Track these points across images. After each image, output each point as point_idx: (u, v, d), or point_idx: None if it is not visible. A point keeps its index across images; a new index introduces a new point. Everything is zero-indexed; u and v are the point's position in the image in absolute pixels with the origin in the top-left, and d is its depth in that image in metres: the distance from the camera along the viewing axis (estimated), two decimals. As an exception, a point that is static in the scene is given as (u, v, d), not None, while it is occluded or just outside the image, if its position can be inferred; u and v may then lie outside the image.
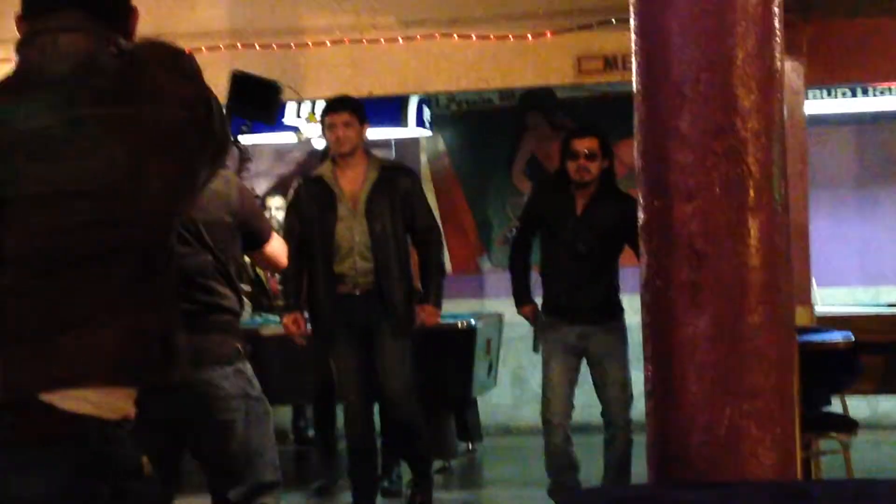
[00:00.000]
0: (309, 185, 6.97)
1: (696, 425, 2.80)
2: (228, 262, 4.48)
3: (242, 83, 4.91)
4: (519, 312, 7.01)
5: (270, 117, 5.03)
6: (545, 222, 6.84)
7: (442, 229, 10.38)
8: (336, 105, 6.90)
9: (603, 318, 6.69)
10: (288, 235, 6.92)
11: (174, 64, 2.81)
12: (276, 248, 4.82)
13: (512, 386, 10.13)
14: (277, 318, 7.91)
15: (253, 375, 4.56)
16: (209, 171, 2.73)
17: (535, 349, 7.01)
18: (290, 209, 7.01)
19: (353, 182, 6.89)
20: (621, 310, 6.78)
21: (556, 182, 6.90)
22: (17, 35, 2.65)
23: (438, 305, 7.00)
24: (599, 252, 6.67)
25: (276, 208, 9.45)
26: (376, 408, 7.20)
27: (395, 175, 6.95)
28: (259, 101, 4.91)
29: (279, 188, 10.09)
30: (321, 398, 8.23)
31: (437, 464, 8.41)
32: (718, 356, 2.78)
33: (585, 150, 6.66)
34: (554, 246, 6.80)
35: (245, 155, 4.97)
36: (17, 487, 2.25)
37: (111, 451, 2.44)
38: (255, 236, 4.67)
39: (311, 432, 9.88)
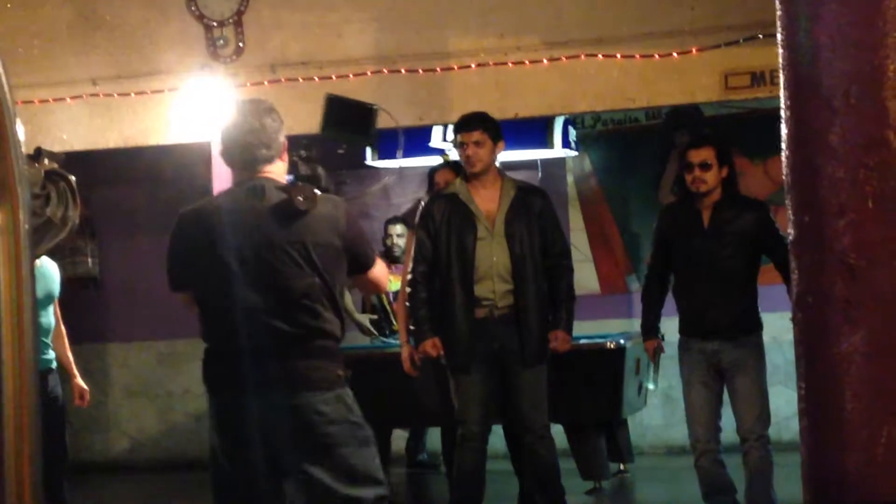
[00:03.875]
0: (441, 203, 6.84)
1: (853, 445, 2.75)
2: (334, 286, 4.39)
3: (337, 106, 4.96)
4: (644, 347, 7.00)
5: (368, 136, 5.05)
6: (675, 242, 6.77)
7: (590, 249, 10.42)
8: (467, 123, 6.78)
9: (737, 334, 6.58)
10: (419, 255, 6.85)
11: None
12: (379, 272, 4.68)
13: (663, 406, 10.03)
14: (398, 343, 7.90)
15: (354, 401, 4.46)
16: (50, 239, 3.87)
17: (652, 386, 7.05)
18: (421, 227, 6.85)
19: (488, 201, 6.78)
20: (758, 325, 6.68)
21: (680, 200, 6.85)
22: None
23: (570, 332, 6.87)
24: (732, 264, 6.57)
25: (398, 235, 9.40)
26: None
27: (529, 195, 6.85)
28: (355, 122, 4.96)
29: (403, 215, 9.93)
30: (449, 422, 8.10)
31: (588, 485, 8.38)
32: (874, 373, 2.72)
33: (699, 161, 6.60)
34: (685, 263, 6.72)
35: (339, 179, 4.94)
36: None
37: None
38: (360, 261, 4.55)
39: (422, 456, 9.90)
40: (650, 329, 6.91)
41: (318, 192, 4.36)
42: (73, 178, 4.04)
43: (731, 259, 6.56)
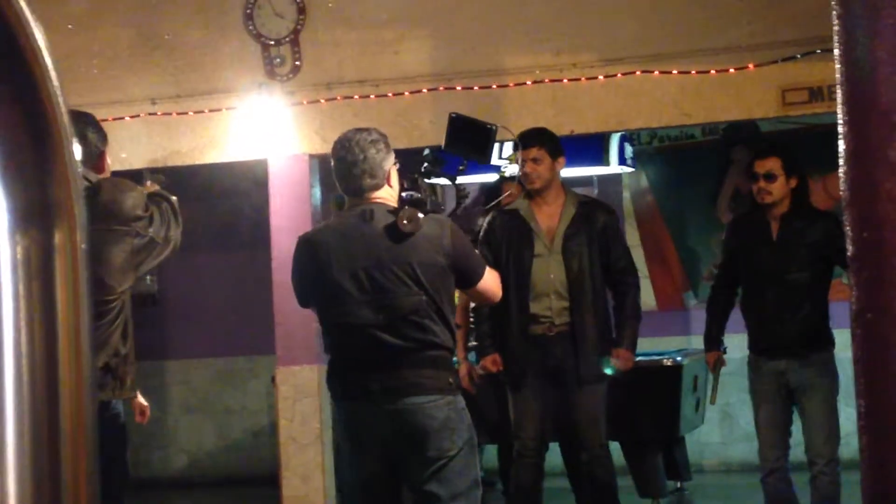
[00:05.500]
0: (503, 218, 6.83)
1: (913, 463, 2.72)
2: (442, 301, 4.70)
3: (459, 125, 5.18)
4: (705, 358, 6.95)
5: (485, 157, 5.33)
6: (743, 253, 6.70)
7: (646, 265, 10.38)
8: (524, 139, 6.73)
9: (805, 352, 6.47)
10: None
11: (119, 188, 4.42)
12: (489, 283, 4.94)
13: (720, 423, 9.97)
14: (456, 359, 7.89)
15: (465, 409, 4.77)
16: (154, 258, 4.49)
17: (713, 401, 6.99)
18: (483, 242, 6.84)
19: (549, 218, 6.75)
20: (829, 342, 6.54)
21: (749, 211, 6.77)
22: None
23: (632, 350, 6.82)
24: (802, 277, 6.47)
25: None
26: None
27: (592, 211, 6.81)
28: (475, 141, 5.19)
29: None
30: (507, 439, 7.87)
31: (645, 502, 8.34)
32: (935, 391, 2.69)
33: (763, 172, 6.52)
34: (753, 276, 6.63)
35: (462, 192, 5.21)
36: None
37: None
38: (466, 276, 4.85)
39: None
40: (713, 340, 6.83)
41: (422, 214, 4.68)
42: (174, 198, 4.42)
43: (800, 272, 6.44)
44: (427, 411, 4.65)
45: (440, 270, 4.71)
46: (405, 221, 4.63)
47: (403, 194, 4.85)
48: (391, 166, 4.80)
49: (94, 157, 4.56)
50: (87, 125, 4.54)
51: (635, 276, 6.96)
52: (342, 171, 4.78)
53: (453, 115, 5.26)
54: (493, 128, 5.26)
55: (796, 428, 6.66)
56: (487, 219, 6.95)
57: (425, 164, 5.00)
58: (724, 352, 6.88)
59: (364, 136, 4.79)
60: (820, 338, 6.53)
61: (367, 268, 4.68)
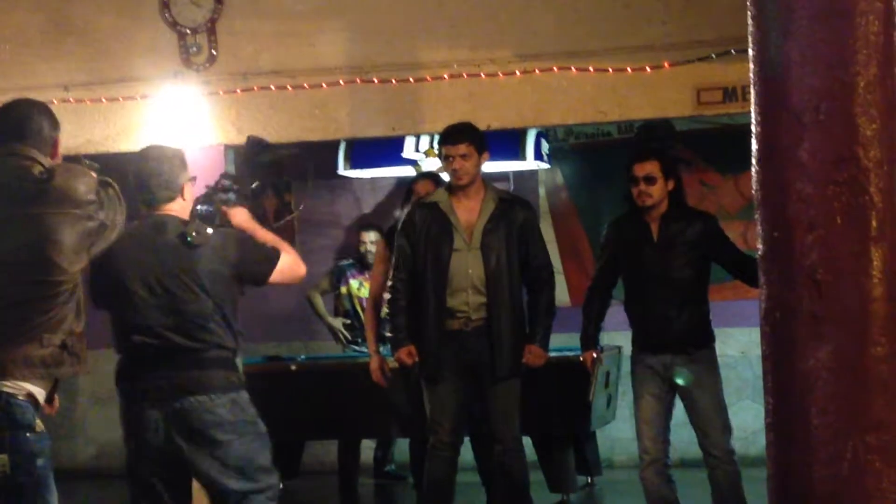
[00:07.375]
0: (423, 211, 6.81)
1: (818, 459, 2.76)
2: (225, 307, 5.09)
3: (256, 148, 5.71)
4: (582, 358, 7.03)
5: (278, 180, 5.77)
6: (624, 256, 6.77)
7: (561, 262, 10.42)
8: (453, 135, 6.76)
9: (688, 348, 6.59)
10: (400, 263, 6.84)
11: (73, 173, 4.59)
12: (283, 271, 5.22)
13: (631, 419, 9.99)
14: (368, 353, 7.87)
15: (248, 403, 5.11)
16: (103, 241, 4.59)
17: (590, 397, 7.11)
18: (402, 234, 6.84)
19: (469, 212, 6.74)
20: (710, 338, 6.69)
21: (628, 213, 6.85)
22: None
23: (545, 347, 6.86)
24: (682, 275, 6.59)
25: (371, 242, 9.36)
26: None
27: (511, 207, 6.82)
28: (268, 163, 5.69)
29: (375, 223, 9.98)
30: (418, 433, 7.64)
31: (556, 497, 8.38)
32: (840, 388, 2.73)
33: (643, 175, 6.63)
34: (635, 277, 6.74)
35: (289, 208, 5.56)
36: None
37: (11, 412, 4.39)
38: (255, 277, 5.21)
39: (390, 467, 9.88)
40: (589, 339, 6.91)
41: (210, 229, 5.06)
42: (115, 184, 4.77)
43: (681, 270, 6.59)
44: (210, 408, 5.00)
45: (225, 279, 5.08)
46: (194, 234, 5.01)
47: (198, 207, 5.19)
48: (186, 181, 5.19)
49: (49, 145, 4.70)
50: (41, 114, 4.71)
51: (551, 274, 6.99)
52: (140, 182, 5.17)
53: (251, 138, 5.76)
54: (263, 143, 5.76)
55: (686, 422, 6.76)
56: (407, 210, 6.93)
57: (221, 183, 5.35)
58: (602, 350, 7.00)
59: (162, 151, 5.26)
60: (701, 335, 6.67)
61: (159, 275, 5.05)
